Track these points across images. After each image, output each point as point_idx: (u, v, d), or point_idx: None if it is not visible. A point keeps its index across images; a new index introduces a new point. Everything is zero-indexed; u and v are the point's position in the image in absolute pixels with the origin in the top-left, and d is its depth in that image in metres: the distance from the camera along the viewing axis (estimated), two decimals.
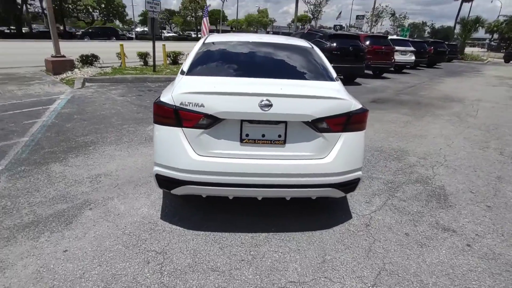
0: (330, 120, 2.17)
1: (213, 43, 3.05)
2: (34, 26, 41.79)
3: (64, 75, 8.54)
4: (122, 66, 10.32)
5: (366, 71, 12.99)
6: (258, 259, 2.13)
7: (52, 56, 8.99)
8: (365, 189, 3.17)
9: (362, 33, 17.42)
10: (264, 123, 2.16)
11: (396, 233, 2.46)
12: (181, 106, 2.13)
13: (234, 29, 76.61)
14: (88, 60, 9.53)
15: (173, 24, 68.17)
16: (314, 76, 2.64)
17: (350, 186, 2.36)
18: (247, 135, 2.18)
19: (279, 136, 2.19)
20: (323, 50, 9.99)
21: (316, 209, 2.75)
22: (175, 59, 11.93)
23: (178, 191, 2.28)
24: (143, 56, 10.95)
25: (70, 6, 38.31)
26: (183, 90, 2.19)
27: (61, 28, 39.97)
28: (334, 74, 2.67)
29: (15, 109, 5.60)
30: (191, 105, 2.11)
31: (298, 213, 2.68)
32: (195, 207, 2.73)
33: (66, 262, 2.05)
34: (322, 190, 2.27)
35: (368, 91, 9.43)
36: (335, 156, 2.22)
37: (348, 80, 11.22)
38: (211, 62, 2.72)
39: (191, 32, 56.55)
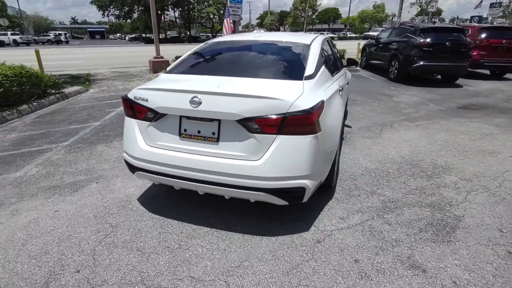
0: (261, 120, 2.05)
1: (209, 43, 3.21)
2: (168, 32, 50.29)
3: (159, 73, 10.13)
4: None
5: (481, 71, 10.74)
6: (181, 250, 2.21)
7: (153, 57, 10.77)
8: (353, 203, 2.78)
9: (477, 24, 14.17)
10: (199, 120, 2.22)
11: (345, 257, 2.11)
12: (134, 100, 2.39)
13: (347, 26, 73.59)
14: None
15: (287, 25, 70.59)
16: (278, 74, 2.50)
17: (290, 194, 2.17)
18: (185, 130, 2.28)
19: (213, 133, 2.20)
20: (413, 46, 8.79)
21: (278, 215, 2.59)
22: None
23: (136, 175, 2.57)
24: None
25: (196, 14, 44.35)
26: (140, 86, 2.45)
27: (188, 33, 46.69)
28: (308, 73, 2.45)
29: (108, 99, 7.06)
30: (139, 99, 2.35)
31: (257, 215, 2.59)
32: (174, 194, 2.97)
33: (49, 219, 2.61)
34: (256, 194, 2.16)
35: (465, 95, 7.76)
36: (267, 159, 2.08)
37: (446, 81, 9.48)
38: (190, 62, 2.90)
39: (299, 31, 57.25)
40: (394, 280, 1.91)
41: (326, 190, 2.94)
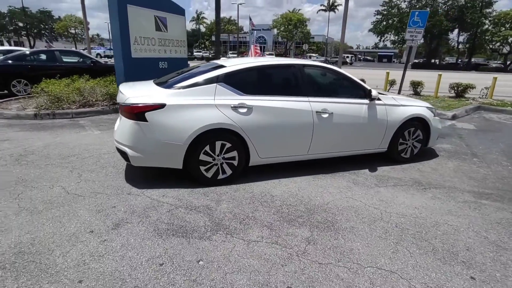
0: (119, 105, 3.41)
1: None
2: (447, 58, 44.99)
3: None
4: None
5: None
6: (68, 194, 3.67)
7: None
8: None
9: None
10: None
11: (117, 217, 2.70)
12: None
13: None
14: None
15: None
16: (170, 83, 3.57)
17: (122, 154, 3.35)
18: None
19: None
20: None
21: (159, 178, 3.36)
22: (460, 91, 9.78)
23: None
24: (415, 85, 10.28)
25: (488, 38, 36.83)
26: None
27: (467, 60, 39.86)
28: (182, 84, 3.39)
29: None
30: None
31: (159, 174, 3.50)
32: None
33: (73, 137, 4.83)
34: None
35: None
36: (117, 128, 3.50)
37: None
38: (171, 75, 4.11)
39: None
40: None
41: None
